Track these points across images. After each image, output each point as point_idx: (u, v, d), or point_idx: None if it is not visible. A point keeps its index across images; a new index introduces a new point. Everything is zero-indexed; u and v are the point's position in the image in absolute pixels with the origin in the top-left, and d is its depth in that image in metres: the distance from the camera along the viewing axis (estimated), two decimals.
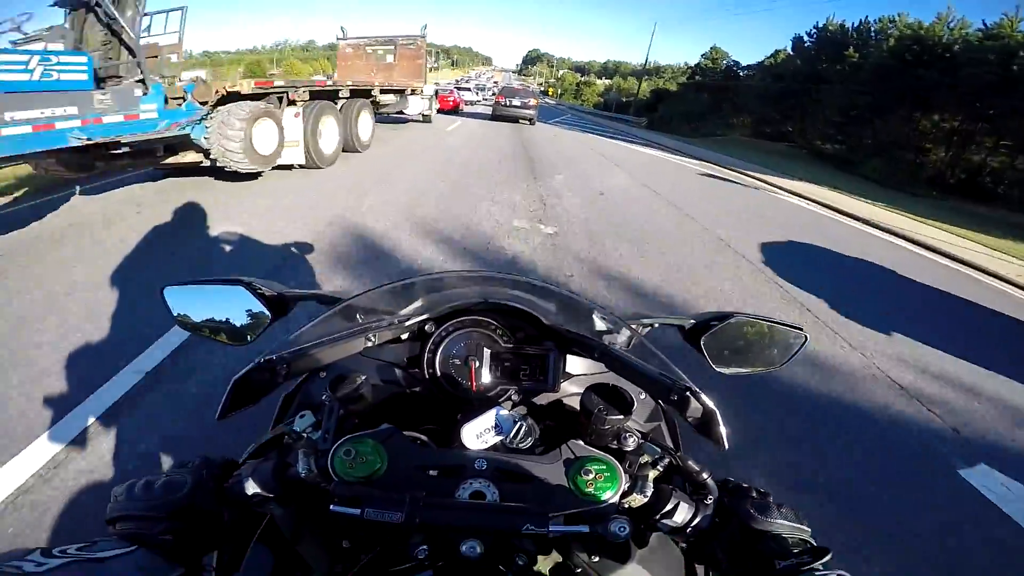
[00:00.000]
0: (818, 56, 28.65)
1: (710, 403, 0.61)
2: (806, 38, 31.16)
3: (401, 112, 12.46)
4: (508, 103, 20.91)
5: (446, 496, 0.51)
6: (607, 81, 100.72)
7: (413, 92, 11.70)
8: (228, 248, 4.16)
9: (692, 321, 0.88)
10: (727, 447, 0.61)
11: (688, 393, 0.62)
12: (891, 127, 19.86)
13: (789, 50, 33.03)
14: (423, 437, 0.64)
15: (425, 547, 0.48)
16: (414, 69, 11.54)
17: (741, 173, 13.45)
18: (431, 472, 0.54)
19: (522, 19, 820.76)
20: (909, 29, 22.50)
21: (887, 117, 20.14)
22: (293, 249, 4.17)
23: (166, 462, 1.89)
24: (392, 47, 11.50)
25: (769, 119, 31.74)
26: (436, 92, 15.92)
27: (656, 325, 0.95)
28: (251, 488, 0.52)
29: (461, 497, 0.51)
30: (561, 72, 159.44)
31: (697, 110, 37.52)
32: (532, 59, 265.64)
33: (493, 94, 43.11)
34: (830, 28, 29.87)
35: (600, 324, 0.87)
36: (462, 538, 0.47)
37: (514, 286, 0.92)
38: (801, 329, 0.87)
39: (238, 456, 0.62)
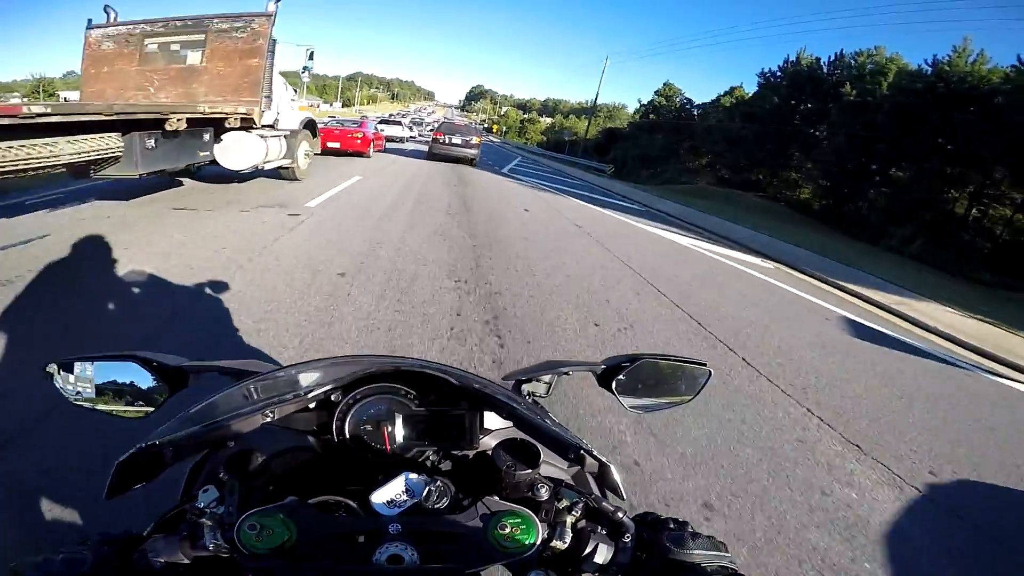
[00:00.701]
0: (795, 93, 26.31)
1: (603, 458, 0.65)
2: (773, 73, 29.15)
3: (214, 163, 6.32)
4: (447, 141, 17.56)
5: (363, 563, 0.51)
6: (549, 119, 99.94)
7: (246, 124, 6.22)
8: None
9: (603, 367, 0.90)
10: (624, 497, 0.66)
11: (582, 451, 0.65)
12: (921, 184, 16.49)
13: (750, 87, 31.07)
14: (346, 500, 0.62)
15: None
16: (244, 77, 6.10)
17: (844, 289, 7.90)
18: (346, 539, 0.53)
19: (465, 55, 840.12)
20: (895, 65, 20.19)
21: (905, 168, 16.98)
22: None
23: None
24: (200, 36, 6.00)
25: (735, 165, 28.97)
26: (310, 124, 8.96)
27: (570, 372, 0.97)
28: (159, 562, 0.50)
29: (378, 561, 0.51)
30: (504, 109, 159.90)
31: (653, 153, 34.72)
32: (476, 95, 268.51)
33: (431, 130, 39.08)
34: (803, 62, 27.98)
35: (501, 389, 0.83)
36: None
37: (422, 365, 0.80)
38: (704, 364, 0.91)
39: (139, 529, 0.57)
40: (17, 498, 1.77)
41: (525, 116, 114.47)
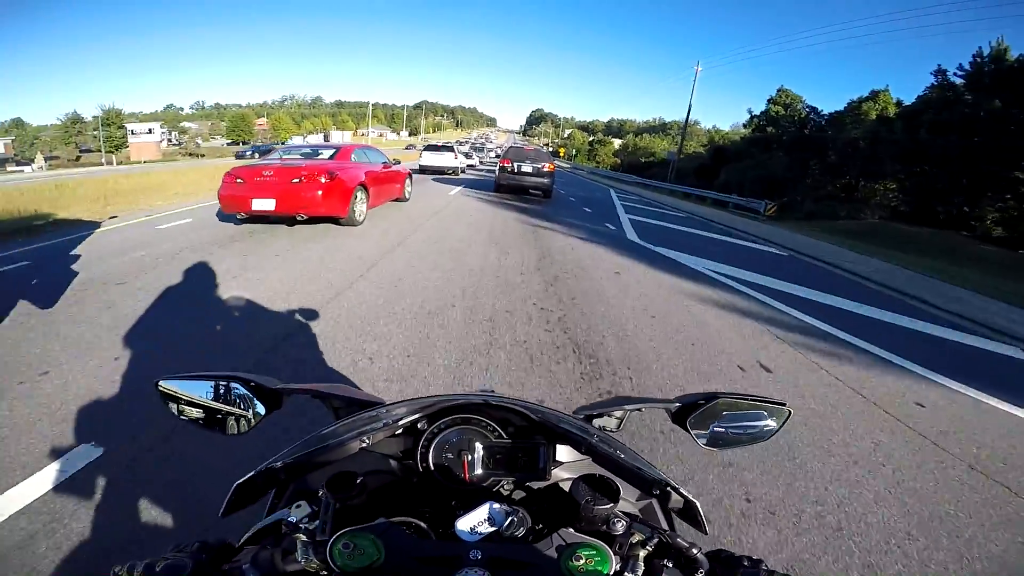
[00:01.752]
0: (1013, 96, 18.06)
1: (689, 495, 0.66)
2: (964, 70, 20.93)
3: None
4: (516, 169, 14.81)
5: None
6: (618, 141, 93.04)
7: None
8: None
9: (678, 404, 0.88)
10: (707, 532, 0.66)
11: (668, 488, 0.66)
12: None
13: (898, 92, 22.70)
14: (420, 523, 0.64)
15: None
16: None
17: None
18: (428, 563, 0.54)
19: (526, 79, 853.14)
20: None
21: None
22: None
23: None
24: None
25: (922, 190, 20.55)
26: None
27: (642, 409, 0.98)
28: (251, 574, 0.52)
29: None
30: (567, 132, 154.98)
31: (776, 174, 26.95)
32: (536, 119, 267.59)
33: (496, 156, 33.89)
34: (1003, 56, 19.74)
35: (579, 424, 0.86)
36: None
37: (500, 400, 0.84)
38: (784, 404, 0.86)
39: (233, 540, 0.61)
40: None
41: (592, 138, 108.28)
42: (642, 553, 0.56)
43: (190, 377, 0.82)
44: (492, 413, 0.76)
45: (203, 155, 65.97)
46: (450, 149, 21.25)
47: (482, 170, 28.92)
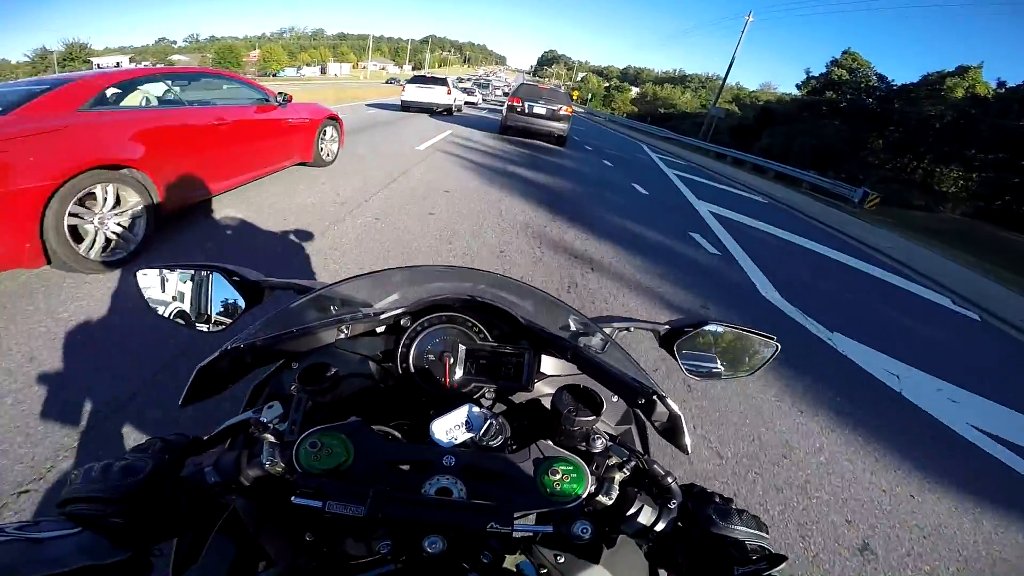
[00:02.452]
0: None
1: (675, 408, 0.62)
2: None
3: None
4: (527, 110, 11.48)
5: (412, 491, 0.50)
6: (635, 89, 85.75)
7: None
8: None
9: (667, 327, 0.86)
10: (689, 453, 0.70)
11: (655, 397, 0.63)
12: None
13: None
14: (394, 432, 0.62)
15: (388, 542, 0.48)
16: None
17: None
18: (398, 467, 0.53)
19: (539, 18, 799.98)
20: None
21: None
22: None
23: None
24: None
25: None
26: None
27: (631, 329, 0.92)
28: (212, 477, 0.51)
29: (427, 493, 0.50)
30: (581, 75, 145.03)
31: (828, 143, 22.78)
32: (548, 60, 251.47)
33: (504, 94, 28.98)
34: None
35: (575, 326, 0.80)
36: (425, 534, 0.47)
37: (492, 283, 0.86)
38: (773, 338, 0.85)
39: (200, 435, 0.57)
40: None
41: (608, 83, 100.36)
42: (618, 476, 0.55)
43: (169, 266, 0.79)
44: (479, 312, 0.72)
45: None
46: (442, 82, 16.37)
47: (483, 109, 24.19)
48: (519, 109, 11.45)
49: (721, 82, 28.59)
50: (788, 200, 12.08)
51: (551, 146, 11.81)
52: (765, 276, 4.77)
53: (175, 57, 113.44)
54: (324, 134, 5.64)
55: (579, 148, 13.37)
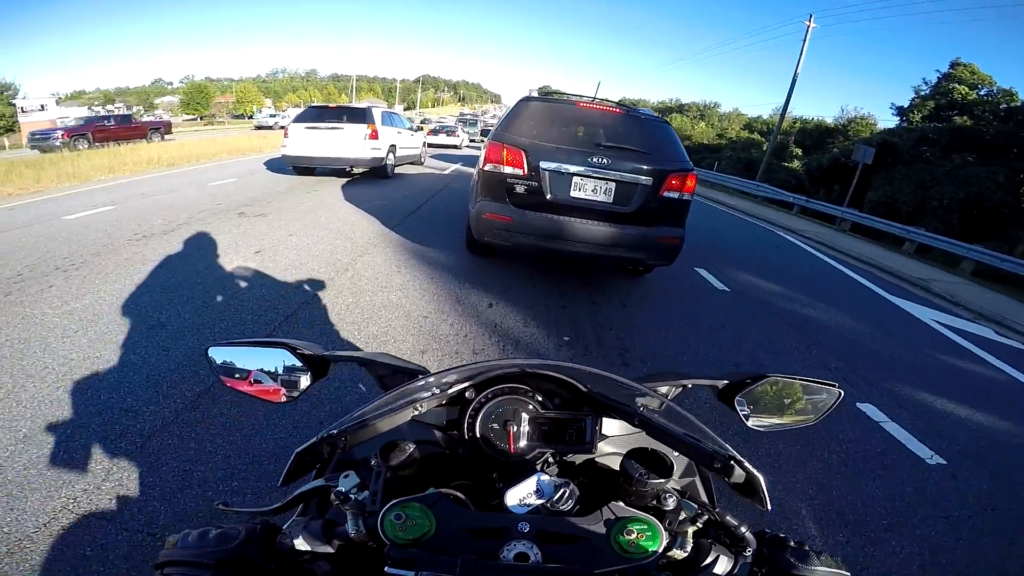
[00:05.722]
0: None
1: (754, 470, 0.60)
2: None
3: None
4: (561, 182, 3.84)
5: (490, 558, 0.52)
6: None
7: None
8: None
9: (725, 381, 0.87)
10: (769, 508, 0.61)
11: (732, 462, 0.61)
12: None
13: None
14: (460, 495, 0.62)
15: None
16: None
17: None
18: (476, 535, 0.54)
19: (532, 55, 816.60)
20: None
21: None
22: None
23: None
24: None
25: None
26: None
27: (689, 386, 0.94)
28: (302, 544, 0.53)
29: (505, 558, 0.52)
30: None
31: (985, 195, 15.33)
32: (544, 95, 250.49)
33: (483, 134, 22.26)
34: None
35: (634, 393, 0.84)
36: None
37: (549, 367, 0.83)
38: (835, 385, 0.84)
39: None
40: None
41: None
42: (691, 530, 0.55)
43: (238, 343, 0.84)
44: (539, 383, 0.75)
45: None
46: (357, 116, 8.96)
47: (456, 158, 17.16)
48: (528, 184, 3.94)
49: (783, 107, 21.73)
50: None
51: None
52: None
53: (167, 99, 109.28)
54: None
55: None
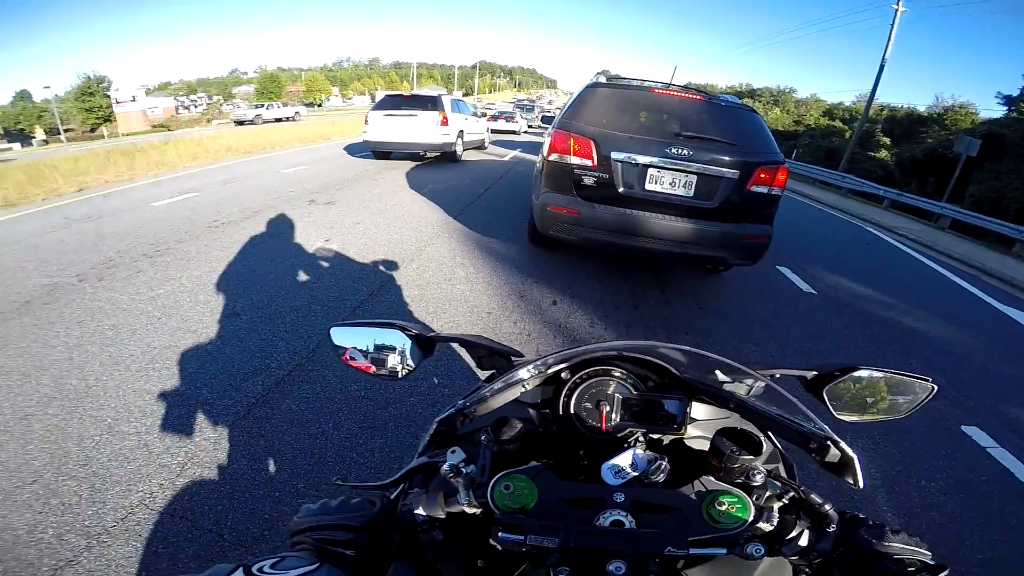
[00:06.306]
0: None
1: (850, 451, 0.62)
2: None
3: None
4: (636, 176, 3.56)
5: (589, 525, 0.55)
6: None
7: None
8: None
9: (814, 372, 0.86)
10: (862, 486, 0.62)
11: (829, 443, 0.62)
12: None
13: None
14: (574, 467, 0.70)
15: (567, 568, 0.51)
16: None
17: None
18: (574, 504, 0.57)
19: (590, 39, 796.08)
20: None
21: None
22: None
23: None
24: None
25: None
26: None
27: (777, 375, 0.90)
28: (421, 514, 0.57)
29: (602, 525, 0.55)
30: None
31: None
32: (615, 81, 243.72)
33: (546, 121, 21.78)
34: None
35: (726, 375, 0.82)
36: (608, 559, 0.51)
37: (645, 349, 0.86)
38: (928, 379, 0.81)
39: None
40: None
41: None
42: (776, 505, 0.57)
43: (357, 324, 0.89)
44: (634, 366, 0.77)
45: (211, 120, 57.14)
46: (429, 104, 9.21)
47: (515, 144, 16.91)
48: (596, 185, 3.69)
49: (871, 93, 19.64)
50: None
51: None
52: None
53: (244, 88, 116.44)
54: None
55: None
